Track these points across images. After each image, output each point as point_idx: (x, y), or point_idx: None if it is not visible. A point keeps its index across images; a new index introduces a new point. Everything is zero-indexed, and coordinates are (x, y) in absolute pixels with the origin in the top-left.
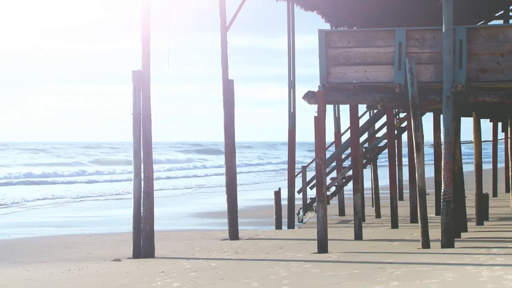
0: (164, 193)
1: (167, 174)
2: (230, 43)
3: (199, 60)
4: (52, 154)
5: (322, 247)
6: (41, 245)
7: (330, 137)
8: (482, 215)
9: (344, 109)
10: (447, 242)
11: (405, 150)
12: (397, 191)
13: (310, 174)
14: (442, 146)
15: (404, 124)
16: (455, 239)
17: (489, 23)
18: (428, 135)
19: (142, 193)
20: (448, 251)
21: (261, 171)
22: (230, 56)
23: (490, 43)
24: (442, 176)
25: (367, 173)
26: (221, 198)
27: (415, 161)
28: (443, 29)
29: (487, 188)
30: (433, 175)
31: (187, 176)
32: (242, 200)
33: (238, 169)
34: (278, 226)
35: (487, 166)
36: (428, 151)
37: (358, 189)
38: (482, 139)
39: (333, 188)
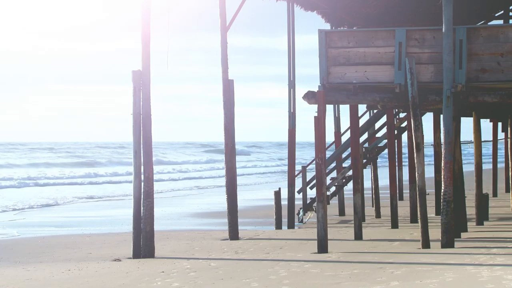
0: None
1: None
2: (230, 43)
3: (199, 60)
4: (67, 154)
5: (322, 247)
6: (41, 245)
7: (330, 137)
8: (482, 215)
9: (344, 109)
10: (447, 242)
11: (405, 150)
12: (397, 191)
13: (310, 174)
14: (442, 146)
15: (404, 124)
16: (455, 239)
17: (489, 23)
18: (428, 135)
19: (142, 193)
20: (448, 251)
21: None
22: (230, 56)
23: (490, 43)
24: (442, 176)
25: (367, 173)
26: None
27: (415, 161)
28: (443, 29)
29: (487, 188)
30: (433, 175)
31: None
32: (242, 200)
33: (269, 169)
34: (278, 226)
35: (487, 166)
36: (428, 151)
37: (358, 189)
38: (482, 139)
39: (333, 188)
